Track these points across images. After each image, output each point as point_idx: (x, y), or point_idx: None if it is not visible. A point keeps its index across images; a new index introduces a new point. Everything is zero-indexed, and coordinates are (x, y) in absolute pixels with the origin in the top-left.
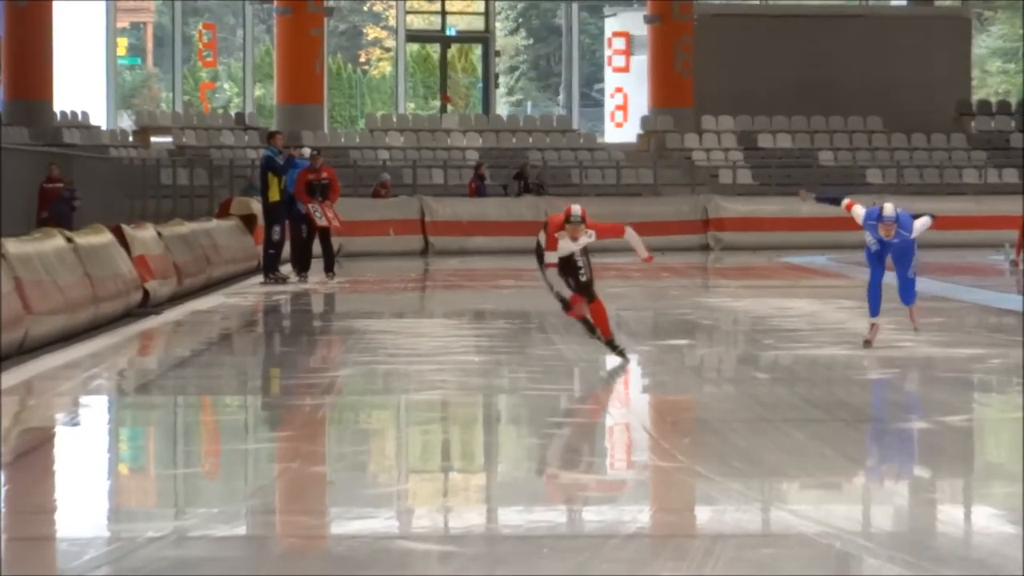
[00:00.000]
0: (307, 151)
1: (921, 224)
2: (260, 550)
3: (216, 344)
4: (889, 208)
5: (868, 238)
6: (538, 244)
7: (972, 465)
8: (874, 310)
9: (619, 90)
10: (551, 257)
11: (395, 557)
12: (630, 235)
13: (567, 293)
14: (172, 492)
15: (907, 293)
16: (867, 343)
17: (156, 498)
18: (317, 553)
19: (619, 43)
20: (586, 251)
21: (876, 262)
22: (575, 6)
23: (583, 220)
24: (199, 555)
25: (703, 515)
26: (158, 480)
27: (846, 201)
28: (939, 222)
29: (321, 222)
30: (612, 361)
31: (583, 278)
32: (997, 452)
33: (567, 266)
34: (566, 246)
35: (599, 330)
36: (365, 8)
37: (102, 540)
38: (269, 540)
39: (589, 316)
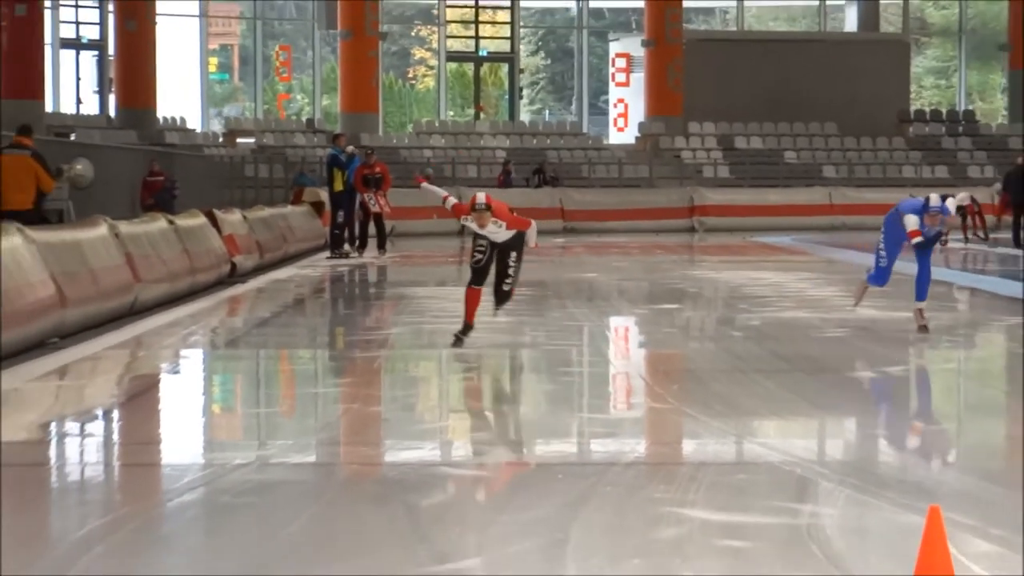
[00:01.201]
0: (350, 148)
1: (952, 204)
2: (327, 475)
3: (291, 307)
4: (935, 199)
5: (882, 249)
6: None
7: (908, 407)
8: (922, 295)
9: (621, 101)
10: (447, 203)
11: (438, 481)
12: (532, 229)
13: (431, 193)
14: (255, 427)
15: (923, 288)
16: (924, 328)
17: (242, 432)
18: (374, 478)
19: (621, 63)
20: (521, 258)
21: (886, 273)
22: (585, 32)
23: (488, 208)
24: (277, 479)
25: (688, 447)
26: (244, 418)
27: (911, 230)
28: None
29: (374, 208)
30: (616, 322)
31: (506, 287)
32: (929, 396)
33: (501, 261)
34: (473, 228)
35: (466, 311)
36: (412, 33)
37: (198, 466)
38: (334, 467)
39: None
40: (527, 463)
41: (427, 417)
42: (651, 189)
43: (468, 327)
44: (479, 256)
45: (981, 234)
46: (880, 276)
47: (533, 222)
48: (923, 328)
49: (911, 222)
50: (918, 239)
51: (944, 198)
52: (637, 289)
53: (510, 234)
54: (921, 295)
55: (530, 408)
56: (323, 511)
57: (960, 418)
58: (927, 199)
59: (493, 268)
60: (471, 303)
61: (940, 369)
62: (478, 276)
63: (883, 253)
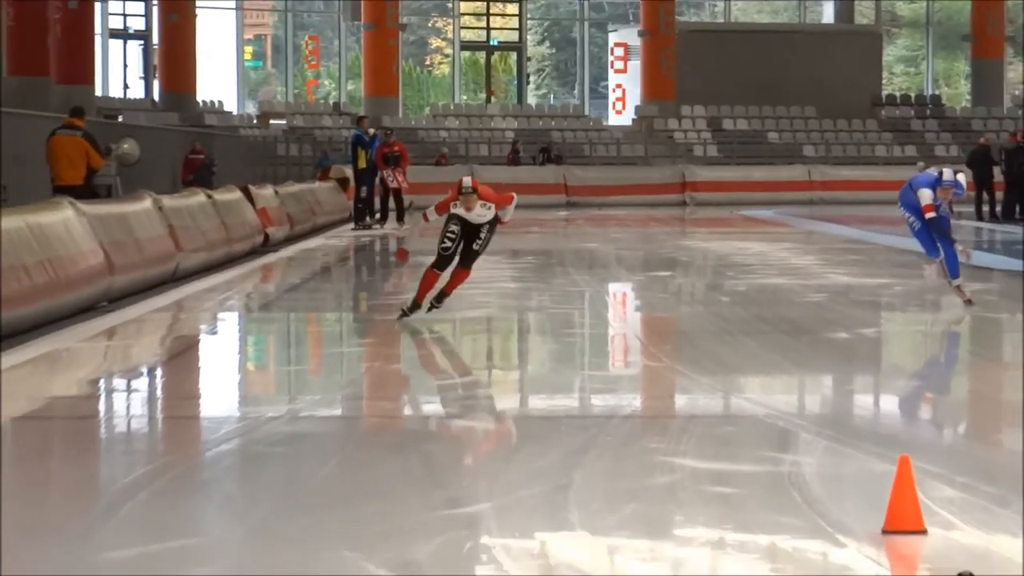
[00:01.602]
0: (372, 129)
1: (963, 178)
2: (351, 427)
3: (318, 274)
4: (948, 173)
5: (911, 219)
6: (423, 214)
7: (880, 365)
8: (954, 273)
9: (619, 86)
10: (431, 213)
11: (452, 432)
12: (512, 203)
13: (413, 244)
14: (286, 383)
15: (953, 265)
16: (969, 303)
17: (274, 388)
18: (393, 429)
19: (619, 51)
20: (492, 229)
21: (926, 238)
22: (586, 23)
23: (474, 190)
24: (306, 430)
25: (680, 401)
26: (275, 375)
27: (926, 204)
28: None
29: (392, 184)
30: (614, 288)
31: (475, 247)
32: (899, 355)
33: (469, 231)
34: (461, 213)
35: (448, 285)
36: (429, 24)
37: (234, 419)
38: (358, 419)
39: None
40: (533, 415)
41: (441, 374)
42: (646, 167)
43: (416, 305)
44: (448, 244)
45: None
46: (924, 245)
47: (514, 195)
48: (968, 302)
49: (925, 196)
50: (931, 214)
51: (956, 173)
52: (634, 258)
53: (491, 215)
54: (954, 273)
55: (536, 366)
56: (347, 460)
57: (927, 375)
58: (940, 172)
59: (460, 247)
60: (426, 284)
61: (909, 331)
62: (442, 262)
63: (912, 221)
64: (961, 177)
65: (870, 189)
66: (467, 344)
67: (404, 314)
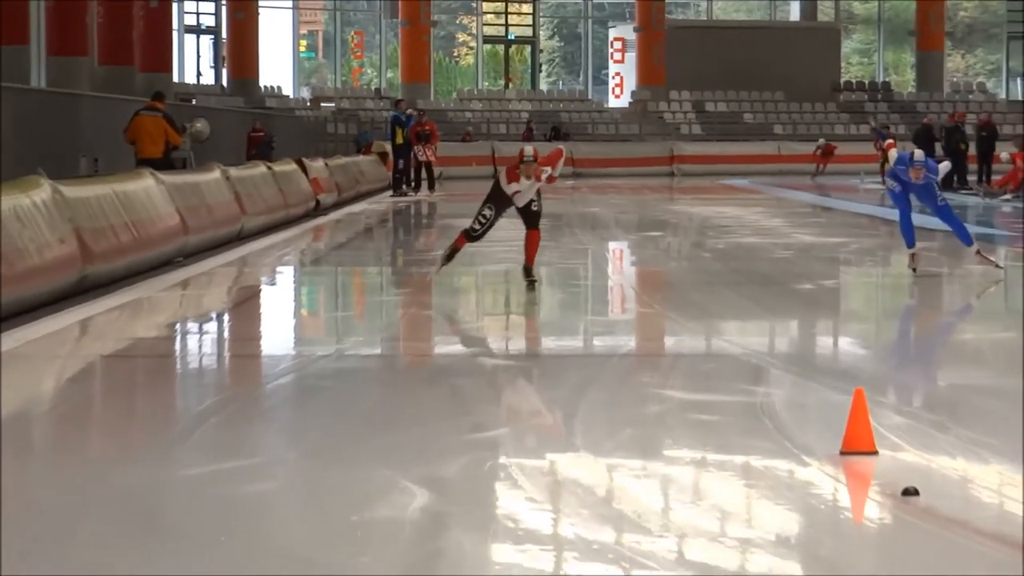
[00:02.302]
0: (409, 110)
1: (943, 167)
2: (389, 364)
3: (362, 234)
4: (919, 154)
5: (889, 182)
6: (496, 183)
7: (838, 311)
8: (910, 242)
9: (618, 74)
10: (511, 188)
11: (476, 367)
12: (562, 158)
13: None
14: (334, 327)
15: (963, 233)
16: (913, 269)
17: (324, 331)
18: (426, 365)
19: (618, 45)
20: (539, 194)
21: (902, 201)
22: (589, 21)
23: (535, 159)
24: (351, 367)
25: (669, 342)
26: (325, 319)
27: (888, 142)
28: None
29: (423, 158)
30: (613, 246)
31: (534, 208)
32: (854, 303)
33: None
34: (526, 184)
35: (528, 255)
36: (457, 21)
37: (290, 357)
38: (395, 357)
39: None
40: (544, 354)
41: (467, 319)
42: (640, 143)
43: (529, 270)
44: (478, 227)
45: None
46: (903, 234)
47: (562, 149)
48: (996, 265)
49: (891, 160)
50: (893, 150)
51: (938, 162)
52: (629, 220)
53: (544, 177)
54: (967, 241)
55: (547, 312)
56: (386, 392)
57: (878, 320)
58: (911, 153)
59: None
60: (531, 245)
61: (863, 282)
62: (473, 238)
63: (892, 185)
64: (943, 166)
65: (828, 162)
66: (488, 294)
67: (531, 283)
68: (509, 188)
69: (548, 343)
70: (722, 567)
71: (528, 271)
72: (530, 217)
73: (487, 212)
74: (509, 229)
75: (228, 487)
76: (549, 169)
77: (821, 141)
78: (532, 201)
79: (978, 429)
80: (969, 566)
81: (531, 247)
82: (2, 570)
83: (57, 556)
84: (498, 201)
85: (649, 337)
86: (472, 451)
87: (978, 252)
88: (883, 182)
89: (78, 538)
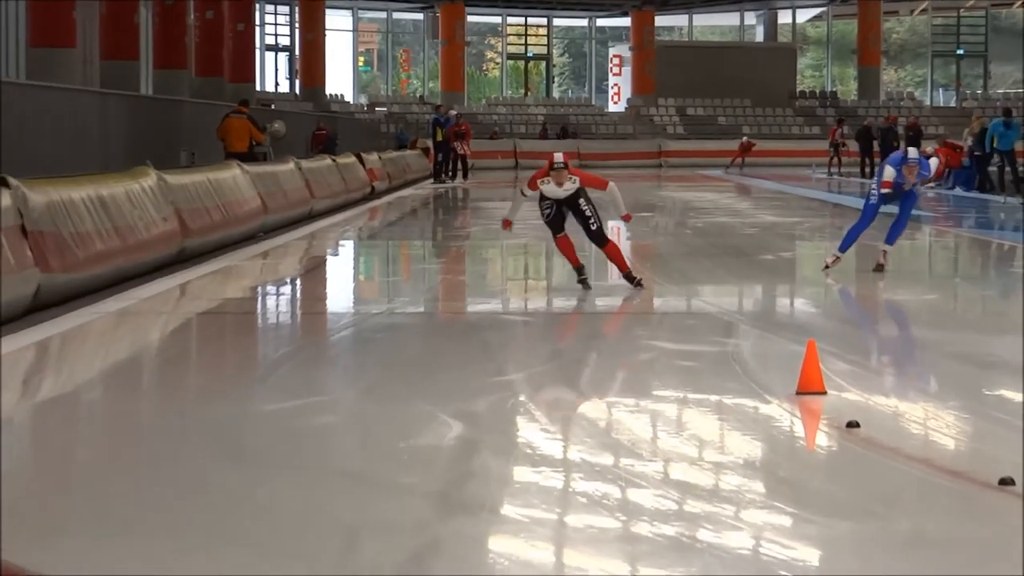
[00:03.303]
0: (451, 112)
1: (934, 164)
2: (430, 319)
3: (408, 214)
4: (913, 152)
5: (872, 189)
6: (520, 191)
7: (794, 276)
8: (844, 247)
9: (616, 85)
10: (525, 190)
11: (499, 322)
12: (612, 191)
13: (515, 215)
14: (386, 289)
15: (895, 233)
16: (826, 267)
17: (377, 292)
18: (460, 321)
19: (616, 60)
20: (590, 200)
21: (871, 214)
22: (593, 41)
23: (566, 166)
24: (399, 322)
25: (657, 302)
26: (378, 283)
27: (884, 180)
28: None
29: (461, 152)
30: (612, 223)
31: (593, 227)
32: (807, 271)
33: (577, 214)
34: (551, 191)
35: (618, 266)
36: (485, 42)
37: (350, 314)
38: (434, 314)
39: (608, 257)
40: (556, 312)
41: (492, 283)
42: (634, 140)
43: (579, 269)
44: (546, 213)
45: (839, 169)
46: (863, 218)
47: (612, 183)
48: (880, 268)
49: (887, 173)
50: (887, 190)
51: (928, 157)
52: (625, 203)
53: (574, 189)
54: (891, 240)
55: (558, 277)
56: (427, 343)
57: (825, 284)
58: (906, 151)
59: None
60: (565, 250)
61: (813, 254)
62: (554, 227)
63: (872, 192)
64: (933, 162)
65: (787, 156)
66: (511, 263)
67: (582, 282)
68: (525, 190)
69: (559, 303)
70: (700, 485)
71: (629, 277)
72: (596, 237)
73: (545, 208)
74: (528, 211)
75: (299, 419)
76: (577, 180)
77: (744, 139)
78: (589, 219)
79: (908, 373)
80: (900, 483)
81: (616, 258)
82: (114, 482)
83: (164, 473)
84: (546, 201)
85: (641, 298)
86: (497, 391)
87: (884, 253)
88: (829, 173)
89: (180, 458)
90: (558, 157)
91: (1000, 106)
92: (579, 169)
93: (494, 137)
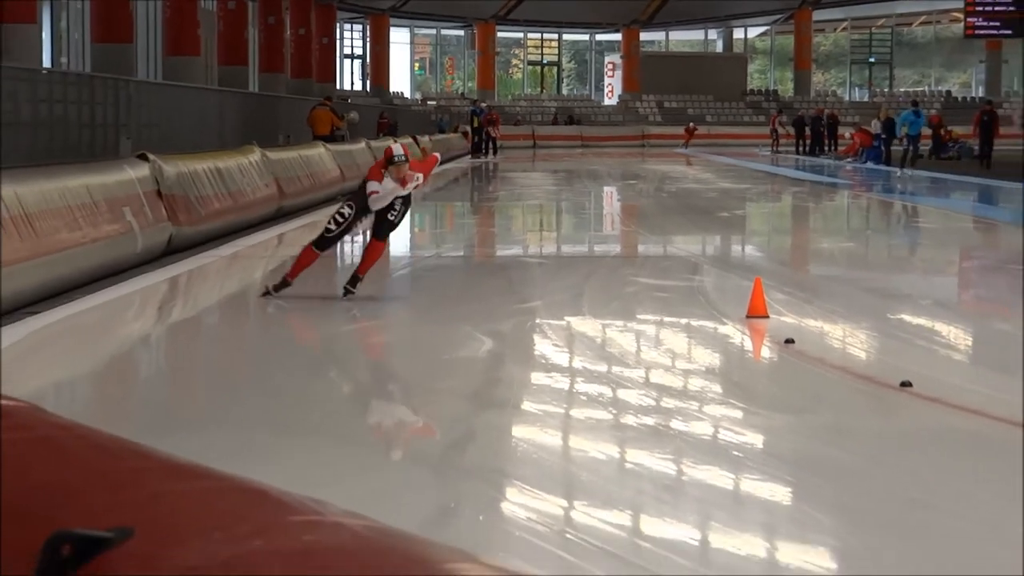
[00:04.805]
0: (483, 104)
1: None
2: (468, 261)
3: (452, 182)
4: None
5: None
6: (364, 181)
7: (745, 229)
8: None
9: (610, 84)
10: (373, 186)
11: (520, 264)
12: (435, 167)
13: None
14: (434, 238)
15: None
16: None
17: (428, 240)
18: (490, 262)
19: (610, 66)
20: (408, 201)
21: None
22: (592, 51)
23: (407, 159)
24: (444, 264)
25: (641, 248)
26: (428, 233)
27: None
28: (732, 136)
29: (494, 135)
30: (607, 189)
31: (391, 217)
32: (756, 224)
33: (389, 208)
34: (391, 187)
35: (361, 265)
36: (511, 52)
37: (407, 257)
38: (471, 257)
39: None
40: (563, 256)
41: (515, 233)
42: (623, 126)
43: (285, 284)
44: (333, 227)
45: (778, 148)
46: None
47: (438, 156)
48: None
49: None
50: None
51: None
52: (616, 173)
53: (413, 186)
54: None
55: (565, 230)
56: (466, 278)
57: (769, 233)
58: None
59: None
60: (302, 262)
61: (760, 212)
62: (325, 243)
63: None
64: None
65: (739, 139)
66: (529, 218)
67: (268, 292)
68: (368, 186)
69: (565, 248)
70: (673, 387)
71: (353, 280)
72: (380, 226)
73: (346, 210)
74: (540, 177)
75: (367, 338)
76: (420, 178)
77: (690, 124)
78: (391, 210)
79: (831, 302)
80: (824, 386)
81: (368, 257)
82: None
83: (264, 379)
84: (360, 200)
85: (628, 245)
86: (519, 315)
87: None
88: (772, 150)
89: (281, 366)
90: (397, 149)
91: (908, 100)
92: (418, 161)
93: (517, 124)
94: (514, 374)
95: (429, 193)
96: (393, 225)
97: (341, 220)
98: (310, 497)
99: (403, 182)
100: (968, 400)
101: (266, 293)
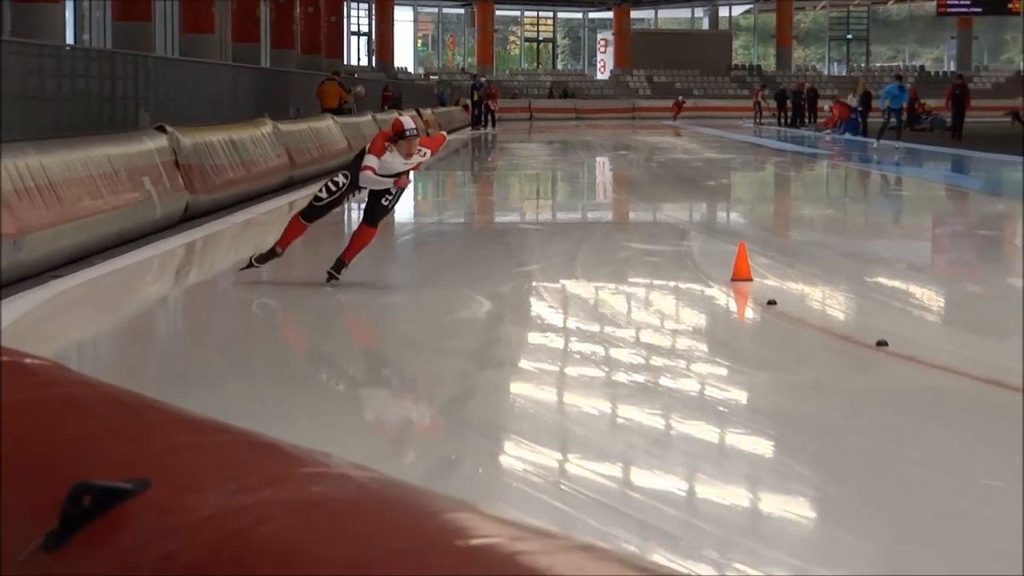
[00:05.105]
0: (482, 79)
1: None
2: (468, 228)
3: (453, 153)
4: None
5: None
6: (361, 151)
7: (730, 197)
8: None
9: (602, 60)
10: (371, 160)
11: (519, 230)
12: (444, 141)
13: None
14: (437, 205)
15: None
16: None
17: (431, 207)
18: (489, 228)
19: (603, 43)
20: (401, 191)
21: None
22: (586, 28)
23: (418, 134)
24: (447, 229)
25: (632, 215)
26: (431, 201)
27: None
28: (717, 108)
29: (493, 108)
30: (599, 159)
31: (384, 202)
32: (740, 192)
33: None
34: (395, 161)
35: (347, 250)
36: (509, 29)
37: (411, 223)
38: (472, 224)
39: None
40: (559, 222)
41: (512, 201)
42: (615, 99)
43: (273, 254)
44: (324, 195)
45: (761, 120)
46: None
47: (445, 134)
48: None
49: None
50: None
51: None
52: (608, 144)
53: (419, 160)
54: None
55: (560, 197)
56: (466, 244)
57: (752, 201)
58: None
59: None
60: (291, 233)
61: (744, 181)
62: (312, 213)
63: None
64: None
65: (724, 111)
66: (526, 187)
67: (251, 265)
68: (366, 159)
69: (560, 215)
70: (662, 346)
71: (338, 265)
72: (373, 210)
73: (340, 179)
74: (537, 148)
75: (373, 298)
76: (427, 152)
77: (679, 97)
78: (386, 194)
79: (812, 266)
80: (805, 345)
81: (355, 243)
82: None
83: (275, 337)
84: (355, 171)
85: (620, 212)
86: (517, 279)
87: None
88: (755, 123)
89: (294, 327)
90: (408, 122)
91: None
92: (426, 137)
93: (515, 97)
94: (512, 334)
95: (431, 163)
96: (386, 210)
97: (334, 189)
98: (318, 450)
99: (409, 155)
100: (940, 358)
101: (249, 266)
